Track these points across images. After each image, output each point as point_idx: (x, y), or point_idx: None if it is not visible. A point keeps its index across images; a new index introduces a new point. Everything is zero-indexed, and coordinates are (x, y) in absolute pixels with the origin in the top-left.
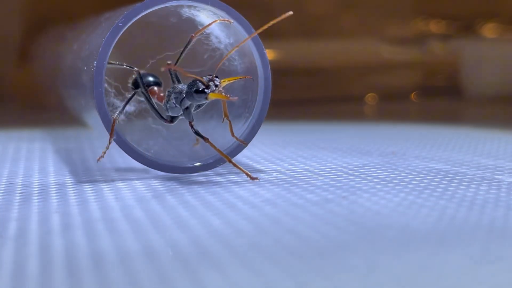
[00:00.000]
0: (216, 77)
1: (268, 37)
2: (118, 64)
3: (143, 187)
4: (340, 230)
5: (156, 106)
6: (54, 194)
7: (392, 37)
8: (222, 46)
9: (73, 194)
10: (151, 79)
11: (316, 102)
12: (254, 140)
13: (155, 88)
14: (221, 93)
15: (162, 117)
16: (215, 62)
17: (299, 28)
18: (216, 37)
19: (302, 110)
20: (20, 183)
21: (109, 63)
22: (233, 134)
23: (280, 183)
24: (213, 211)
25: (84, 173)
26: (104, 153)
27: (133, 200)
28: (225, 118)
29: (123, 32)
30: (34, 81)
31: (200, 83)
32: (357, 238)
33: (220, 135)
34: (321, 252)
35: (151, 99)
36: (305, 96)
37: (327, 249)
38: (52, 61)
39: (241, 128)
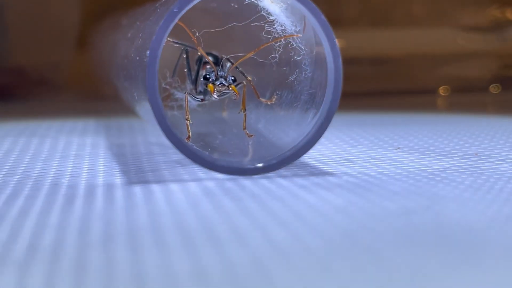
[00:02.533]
0: (234, 77)
1: (332, 25)
2: (177, 42)
3: (198, 190)
4: (429, 250)
5: (196, 79)
6: (101, 197)
7: (466, 25)
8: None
9: (121, 197)
10: (209, 56)
11: (384, 94)
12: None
13: (208, 65)
14: (223, 87)
15: (195, 90)
16: (279, 52)
17: (366, 15)
18: (281, 25)
19: (370, 102)
20: (66, 184)
21: (168, 41)
22: (244, 128)
23: (352, 188)
24: (276, 221)
25: (135, 173)
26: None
27: (186, 205)
28: (241, 110)
29: (181, 19)
30: (92, 70)
31: (211, 71)
32: (452, 261)
33: (284, 132)
34: (409, 280)
35: (198, 71)
36: (372, 87)
37: (416, 275)
38: (107, 50)
39: (307, 126)
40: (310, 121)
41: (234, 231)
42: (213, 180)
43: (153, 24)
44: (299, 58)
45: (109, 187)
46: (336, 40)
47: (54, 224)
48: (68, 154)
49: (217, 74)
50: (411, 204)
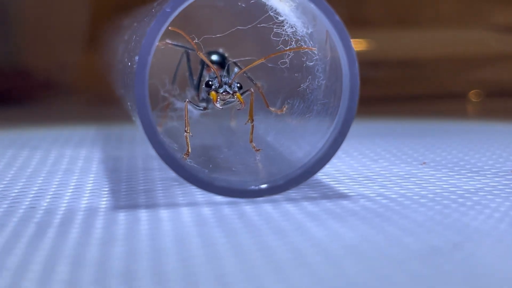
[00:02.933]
0: (240, 84)
1: (356, 25)
2: (176, 44)
3: (190, 218)
4: None
5: (198, 84)
6: (77, 227)
7: (499, 24)
8: (298, 38)
9: (100, 228)
10: (214, 58)
11: (411, 100)
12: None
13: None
14: (227, 96)
15: (198, 97)
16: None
17: (392, 14)
18: (291, 26)
19: (395, 108)
20: (44, 207)
21: (166, 43)
22: (251, 140)
23: (369, 217)
24: (270, 266)
25: (126, 193)
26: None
27: (170, 241)
28: (248, 121)
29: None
30: (100, 73)
31: (215, 78)
32: None
33: (297, 145)
34: None
35: (201, 75)
36: (398, 92)
37: None
38: (110, 53)
39: (320, 140)
40: (323, 135)
41: (218, 278)
42: (210, 204)
43: (146, 25)
44: (311, 64)
45: (90, 213)
46: (352, 44)
47: (14, 265)
48: (57, 169)
49: (221, 80)
50: (436, 241)
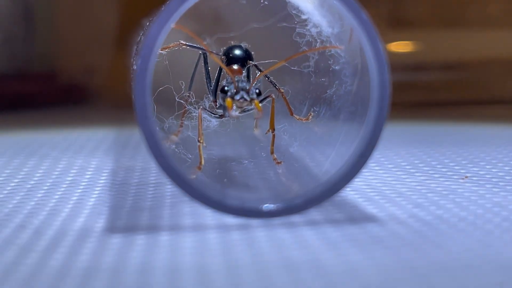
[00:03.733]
0: (259, 89)
1: (398, 26)
2: (191, 45)
3: (191, 245)
4: None
5: (216, 90)
6: (61, 253)
7: None
8: (323, 39)
9: (87, 255)
10: (237, 52)
11: (456, 105)
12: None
13: (235, 66)
14: (245, 103)
15: (215, 103)
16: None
17: (437, 14)
18: (315, 25)
19: (438, 114)
20: (34, 226)
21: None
22: (272, 152)
23: (397, 246)
24: None
25: (128, 212)
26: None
27: (162, 274)
28: (269, 130)
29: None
30: (126, 77)
31: (231, 82)
32: None
33: (324, 156)
34: None
35: (219, 77)
36: (442, 97)
37: None
38: (130, 56)
39: (345, 153)
40: (348, 148)
41: None
42: (219, 228)
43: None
44: (338, 67)
45: (81, 235)
46: (383, 46)
47: None
48: (61, 181)
49: (237, 86)
50: (474, 283)
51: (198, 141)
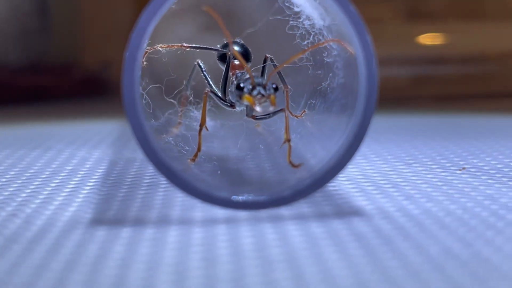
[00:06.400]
0: (275, 84)
1: (418, 18)
2: (195, 46)
3: (175, 239)
4: None
5: (225, 87)
6: (46, 243)
7: None
8: (315, 31)
9: (70, 247)
10: (239, 48)
11: (474, 99)
12: (369, 152)
13: (236, 62)
14: (262, 99)
15: (224, 99)
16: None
17: (456, 7)
18: (308, 18)
19: (456, 108)
20: (24, 216)
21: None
22: (289, 161)
23: (374, 245)
24: None
25: (119, 203)
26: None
27: (144, 267)
28: (285, 142)
29: None
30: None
31: (247, 81)
32: None
33: (321, 145)
34: None
35: (227, 72)
36: (460, 90)
37: None
38: None
39: (333, 146)
40: (337, 141)
41: None
42: (206, 222)
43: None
44: (330, 60)
45: (67, 227)
46: (370, 38)
47: None
48: (60, 171)
49: (254, 81)
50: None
51: (200, 125)
